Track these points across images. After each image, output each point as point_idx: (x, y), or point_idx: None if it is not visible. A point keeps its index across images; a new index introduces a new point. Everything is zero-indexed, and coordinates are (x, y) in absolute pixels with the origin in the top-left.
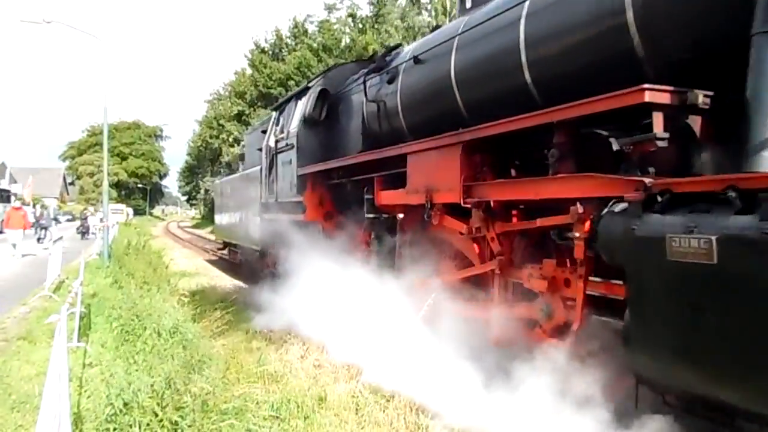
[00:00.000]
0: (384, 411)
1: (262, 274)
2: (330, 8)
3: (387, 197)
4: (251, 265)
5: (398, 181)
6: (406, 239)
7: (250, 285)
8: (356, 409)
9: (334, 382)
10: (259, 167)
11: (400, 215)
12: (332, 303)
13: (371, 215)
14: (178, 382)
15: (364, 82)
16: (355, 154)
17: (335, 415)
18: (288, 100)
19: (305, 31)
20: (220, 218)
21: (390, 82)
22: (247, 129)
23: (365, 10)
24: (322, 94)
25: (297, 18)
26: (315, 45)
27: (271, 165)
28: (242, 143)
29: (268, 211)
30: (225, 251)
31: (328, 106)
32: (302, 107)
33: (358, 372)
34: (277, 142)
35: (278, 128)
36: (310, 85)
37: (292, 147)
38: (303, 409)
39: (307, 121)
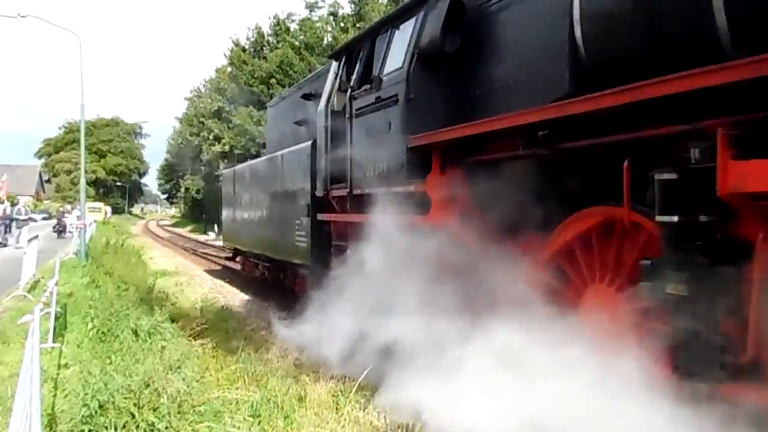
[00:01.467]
0: (364, 410)
1: (310, 301)
2: (311, 6)
3: None
4: (288, 285)
5: None
6: None
7: (275, 308)
8: (336, 408)
9: (314, 382)
10: (305, 144)
11: None
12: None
13: (685, 217)
14: (156, 382)
15: None
16: (551, 100)
17: (315, 415)
18: (371, 33)
19: (287, 29)
20: (231, 217)
21: None
22: (230, 126)
23: (347, 8)
24: (454, 10)
25: (279, 16)
26: (297, 43)
27: (335, 138)
28: (223, 142)
29: (330, 208)
30: (238, 260)
31: (464, 30)
32: (410, 36)
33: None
34: (351, 99)
35: (351, 81)
36: None
37: (394, 102)
38: (283, 409)
39: (425, 57)
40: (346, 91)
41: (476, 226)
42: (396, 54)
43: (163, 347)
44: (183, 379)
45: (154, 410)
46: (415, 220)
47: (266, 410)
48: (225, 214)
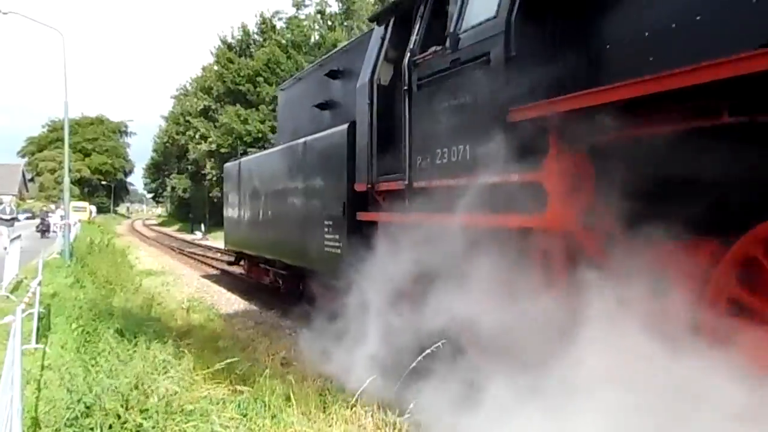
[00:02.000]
0: (352, 409)
1: (346, 319)
2: (298, 5)
3: None
4: (309, 297)
5: None
6: None
7: (281, 318)
8: (324, 407)
9: (302, 380)
10: (339, 129)
11: None
12: None
13: None
14: (146, 382)
15: None
16: (760, 45)
17: (302, 414)
18: None
19: (273, 27)
20: (235, 217)
21: None
22: (216, 125)
23: (334, 6)
24: None
25: (264, 14)
26: (284, 41)
27: (383, 118)
28: (210, 141)
29: (376, 205)
30: (241, 264)
31: None
32: None
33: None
34: (410, 67)
35: (411, 44)
36: None
37: (484, 63)
38: (270, 408)
39: (530, 2)
40: (398, 60)
41: (614, 228)
42: (482, 2)
43: (149, 347)
44: (171, 379)
45: (142, 411)
46: (523, 220)
47: (253, 409)
48: (228, 213)
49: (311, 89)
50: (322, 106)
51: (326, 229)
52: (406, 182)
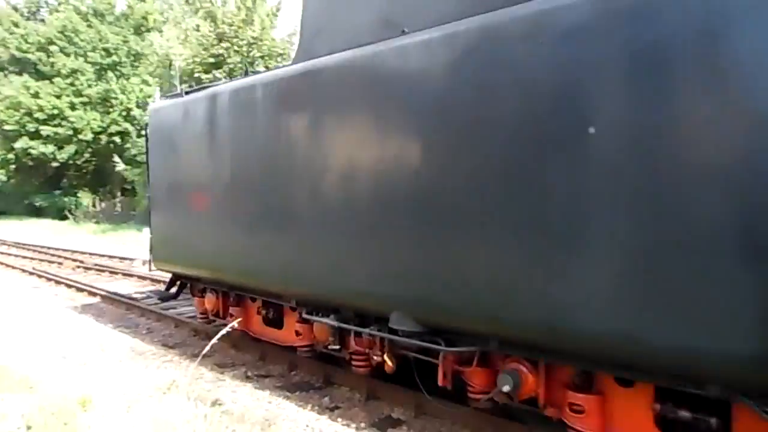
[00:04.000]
0: (160, 403)
1: None
2: None
3: None
4: None
5: None
6: None
7: None
8: (129, 407)
9: (103, 381)
10: None
11: None
12: None
13: None
14: None
15: None
16: None
17: (103, 417)
18: None
19: None
20: (187, 211)
21: None
22: None
23: None
24: None
25: None
26: (83, 8)
27: None
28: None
29: None
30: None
31: None
32: None
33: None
34: None
35: None
36: None
37: None
38: (63, 415)
39: None
40: None
41: None
42: None
43: None
44: None
45: None
46: None
47: (41, 418)
48: (162, 200)
49: None
50: None
51: None
52: None
